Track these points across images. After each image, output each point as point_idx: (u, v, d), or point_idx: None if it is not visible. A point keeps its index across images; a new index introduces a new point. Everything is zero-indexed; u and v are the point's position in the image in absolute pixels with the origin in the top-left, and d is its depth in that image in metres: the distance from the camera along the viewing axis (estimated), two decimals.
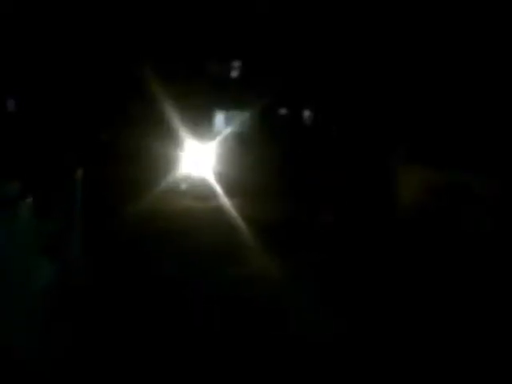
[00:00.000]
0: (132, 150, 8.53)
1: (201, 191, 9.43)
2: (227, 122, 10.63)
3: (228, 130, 10.34)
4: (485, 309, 4.53)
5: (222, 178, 9.53)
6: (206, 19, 9.61)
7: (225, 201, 8.83)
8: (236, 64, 10.56)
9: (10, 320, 2.69)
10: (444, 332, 4.08)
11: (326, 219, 8.00)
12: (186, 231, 7.06)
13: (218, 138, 10.17)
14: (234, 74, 10.59)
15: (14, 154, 3.91)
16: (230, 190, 9.15)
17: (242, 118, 10.37)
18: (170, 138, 9.32)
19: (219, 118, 10.64)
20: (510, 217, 6.73)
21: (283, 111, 11.18)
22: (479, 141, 7.72)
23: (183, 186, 9.67)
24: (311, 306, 4.55)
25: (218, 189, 9.32)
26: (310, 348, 3.77)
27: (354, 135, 9.84)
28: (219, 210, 8.31)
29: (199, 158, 9.86)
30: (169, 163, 9.29)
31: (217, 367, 3.51)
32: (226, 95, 10.33)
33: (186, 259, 5.83)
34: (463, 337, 3.99)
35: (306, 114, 11.22)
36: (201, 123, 9.95)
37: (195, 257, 5.94)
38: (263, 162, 9.50)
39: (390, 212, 8.01)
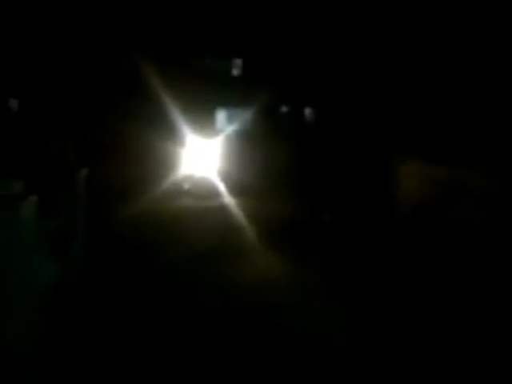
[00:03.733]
0: (134, 149, 8.45)
1: (204, 190, 9.35)
2: (229, 119, 10.54)
3: (230, 128, 10.25)
4: (484, 308, 4.44)
5: (225, 176, 9.45)
6: (208, 15, 9.54)
7: (228, 200, 8.76)
8: (238, 61, 10.48)
9: (15, 321, 2.62)
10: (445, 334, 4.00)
11: (328, 218, 7.95)
12: (189, 231, 6.98)
13: (221, 136, 10.08)
14: (236, 71, 10.51)
15: (18, 152, 3.85)
16: (233, 189, 9.08)
17: (244, 115, 10.28)
18: (172, 136, 9.23)
19: (221, 115, 10.55)
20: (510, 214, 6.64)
21: (285, 109, 11.11)
22: (481, 137, 7.65)
23: (186, 185, 9.59)
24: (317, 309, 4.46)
25: (222, 187, 9.25)
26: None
27: (355, 132, 9.79)
28: (223, 210, 8.24)
29: (202, 156, 9.78)
30: (171, 162, 9.21)
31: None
32: (228, 93, 10.24)
33: (190, 259, 5.77)
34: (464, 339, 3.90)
35: (308, 111, 11.15)
36: (203, 121, 9.86)
37: (199, 257, 5.88)
38: (266, 160, 9.43)
39: (390, 209, 7.95)
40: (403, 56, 9.04)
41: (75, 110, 7.54)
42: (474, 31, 8.14)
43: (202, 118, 9.89)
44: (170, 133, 9.25)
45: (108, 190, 6.91)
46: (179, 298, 4.57)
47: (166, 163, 9.15)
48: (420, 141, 8.12)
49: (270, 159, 9.40)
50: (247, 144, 9.95)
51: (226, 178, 9.39)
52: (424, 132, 8.26)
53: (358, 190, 8.62)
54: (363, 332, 4.02)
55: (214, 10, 9.49)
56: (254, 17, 9.89)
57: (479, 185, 7.12)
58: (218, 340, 3.88)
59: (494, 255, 5.72)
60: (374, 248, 6.24)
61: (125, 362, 3.45)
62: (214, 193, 9.19)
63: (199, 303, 4.51)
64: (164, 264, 5.57)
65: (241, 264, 5.64)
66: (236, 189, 9.05)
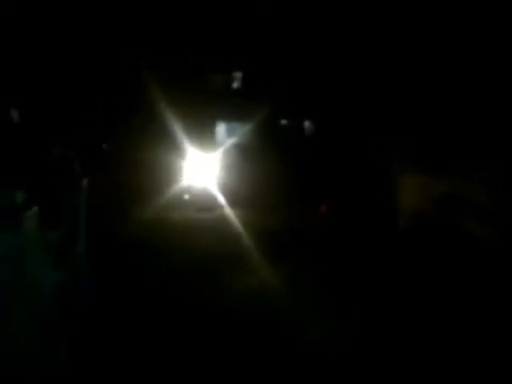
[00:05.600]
0: (135, 161, 8.48)
1: (204, 202, 9.36)
2: (229, 132, 10.63)
3: (230, 141, 10.32)
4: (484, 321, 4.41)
5: (224, 188, 9.47)
6: (208, 31, 9.65)
7: (228, 211, 8.76)
8: (237, 75, 10.58)
9: (20, 332, 2.62)
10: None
11: (327, 227, 7.95)
12: (189, 243, 6.95)
13: (220, 149, 10.15)
14: (236, 84, 10.61)
15: (20, 162, 3.85)
16: (232, 201, 9.09)
17: (243, 128, 10.36)
18: (172, 148, 9.28)
19: (221, 128, 10.63)
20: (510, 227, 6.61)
21: (284, 122, 11.19)
22: (481, 150, 7.67)
23: (186, 197, 9.61)
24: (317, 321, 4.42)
25: (221, 199, 9.27)
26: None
27: (354, 144, 9.83)
28: (222, 221, 8.22)
29: (202, 169, 9.82)
30: (172, 174, 9.23)
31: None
32: (228, 106, 10.33)
33: (190, 271, 5.74)
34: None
35: (306, 124, 11.23)
36: (203, 134, 9.93)
37: (199, 268, 5.85)
38: (265, 173, 9.46)
39: (391, 222, 7.94)
40: (400, 70, 9.12)
41: (78, 121, 7.58)
42: (473, 40, 8.20)
43: (203, 131, 9.96)
44: (170, 145, 9.30)
45: (109, 200, 6.90)
46: (177, 305, 4.56)
47: (166, 175, 9.18)
48: (419, 153, 8.14)
49: (270, 172, 9.43)
50: (247, 156, 10.01)
51: (225, 190, 9.41)
52: (423, 144, 8.29)
53: (358, 202, 8.65)
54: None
55: (215, 24, 9.62)
56: (254, 31, 10.01)
57: (480, 196, 7.09)
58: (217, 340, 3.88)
59: (495, 266, 5.71)
60: (373, 260, 6.22)
61: (127, 364, 3.45)
62: (213, 205, 9.21)
63: (197, 307, 4.51)
64: (163, 273, 5.56)
65: (241, 275, 5.60)
66: (235, 200, 9.06)
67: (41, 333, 2.90)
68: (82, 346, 3.55)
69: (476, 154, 7.48)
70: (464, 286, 5.23)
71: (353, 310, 4.59)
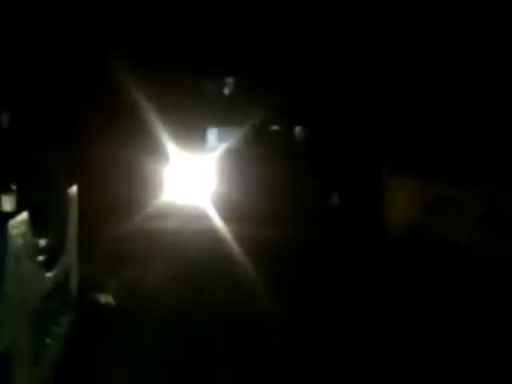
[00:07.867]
0: (122, 167, 8.25)
1: (192, 212, 9.11)
2: (220, 138, 10.48)
3: (221, 147, 10.17)
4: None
5: (215, 197, 9.27)
6: (199, 36, 9.57)
7: (218, 223, 8.40)
8: (228, 80, 10.48)
9: (8, 334, 2.48)
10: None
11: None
12: (175, 258, 6.60)
13: (211, 155, 9.98)
14: (227, 90, 10.50)
15: (10, 167, 3.70)
16: (224, 211, 8.79)
17: (235, 133, 10.22)
18: (161, 154, 9.09)
19: (211, 134, 10.48)
20: (500, 230, 6.60)
21: (275, 127, 11.10)
22: (469, 153, 7.74)
23: (175, 205, 9.36)
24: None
25: (211, 209, 9.00)
26: None
27: (346, 149, 9.85)
28: (212, 234, 7.82)
29: (192, 176, 9.64)
30: (159, 182, 9.03)
31: None
32: (219, 111, 10.20)
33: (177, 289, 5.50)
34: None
35: (297, 129, 11.17)
36: (193, 140, 9.77)
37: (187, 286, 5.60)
38: (258, 180, 9.31)
39: (380, 226, 7.94)
40: (394, 75, 9.20)
41: (65, 126, 7.38)
42: (467, 53, 8.32)
43: (193, 137, 9.81)
44: (159, 151, 9.13)
45: (95, 206, 6.64)
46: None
47: (153, 183, 8.99)
48: (412, 157, 8.19)
49: (262, 178, 9.31)
50: (237, 162, 9.84)
51: (216, 199, 9.23)
52: (416, 148, 8.36)
53: (350, 207, 8.58)
54: None
55: (208, 29, 9.54)
56: (246, 37, 9.95)
57: (469, 201, 7.09)
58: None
59: (485, 271, 5.69)
60: (365, 267, 6.13)
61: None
62: (203, 215, 8.97)
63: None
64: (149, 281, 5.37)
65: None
66: (227, 212, 8.75)
67: (32, 336, 2.81)
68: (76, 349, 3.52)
69: (469, 157, 7.56)
70: (454, 294, 5.20)
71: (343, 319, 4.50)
